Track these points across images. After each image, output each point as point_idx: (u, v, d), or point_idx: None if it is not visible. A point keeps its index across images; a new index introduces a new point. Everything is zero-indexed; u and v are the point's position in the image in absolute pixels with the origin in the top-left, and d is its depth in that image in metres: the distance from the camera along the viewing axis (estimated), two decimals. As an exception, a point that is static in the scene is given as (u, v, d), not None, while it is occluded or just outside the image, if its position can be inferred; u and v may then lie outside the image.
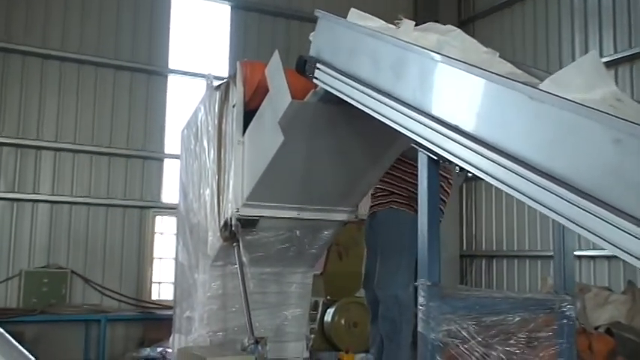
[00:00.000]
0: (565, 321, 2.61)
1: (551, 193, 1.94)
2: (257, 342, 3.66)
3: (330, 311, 8.26)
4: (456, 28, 3.22)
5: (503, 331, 2.50)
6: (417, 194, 3.97)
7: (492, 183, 2.16)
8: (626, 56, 8.57)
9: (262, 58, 4.13)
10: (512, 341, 2.51)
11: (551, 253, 8.66)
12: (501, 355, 2.47)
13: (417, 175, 3.74)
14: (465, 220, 11.16)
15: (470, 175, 2.32)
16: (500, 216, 10.82)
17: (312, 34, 3.53)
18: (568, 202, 1.88)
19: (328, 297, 8.46)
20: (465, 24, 10.86)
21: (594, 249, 8.48)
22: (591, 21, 9.07)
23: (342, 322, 8.23)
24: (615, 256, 6.71)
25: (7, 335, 4.01)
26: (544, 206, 1.98)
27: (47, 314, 8.32)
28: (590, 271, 8.92)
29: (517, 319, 2.52)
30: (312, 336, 4.73)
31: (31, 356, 3.96)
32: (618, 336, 5.84)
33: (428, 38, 2.96)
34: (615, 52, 8.70)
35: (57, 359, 8.29)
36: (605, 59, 8.43)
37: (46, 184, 9.11)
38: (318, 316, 8.33)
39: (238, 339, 4.05)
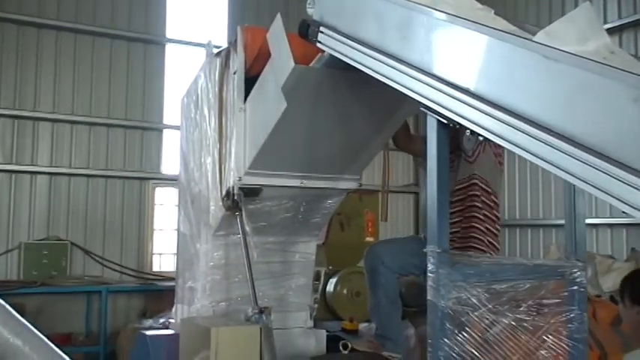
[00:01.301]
0: (576, 287, 2.56)
1: (566, 154, 1.87)
2: (261, 311, 3.61)
3: (333, 281, 8.24)
4: None
5: (514, 297, 2.45)
6: (497, 232, 3.98)
7: (505, 145, 2.10)
8: (630, 22, 8.46)
9: (262, 25, 4.04)
10: (522, 308, 2.47)
11: (553, 222, 8.72)
12: (512, 322, 2.43)
13: (490, 205, 3.68)
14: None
15: (481, 138, 2.25)
16: (503, 186, 10.78)
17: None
18: (584, 163, 1.82)
19: (330, 267, 8.44)
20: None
21: (597, 217, 8.45)
22: (595, -14, 8.94)
23: (345, 291, 8.21)
24: (618, 224, 6.72)
25: (8, 307, 3.98)
26: (558, 168, 1.91)
27: (48, 286, 8.33)
28: (593, 239, 8.90)
29: (527, 285, 2.48)
30: (316, 306, 4.68)
31: (32, 327, 3.92)
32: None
33: (421, -7, 2.88)
34: (619, 17, 8.58)
35: (59, 331, 8.29)
36: (609, 25, 8.31)
37: (44, 155, 9.05)
38: (320, 286, 8.31)
39: (242, 309, 4.01)
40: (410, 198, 11.84)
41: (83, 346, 8.25)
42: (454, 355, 2.32)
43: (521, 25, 2.86)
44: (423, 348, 6.34)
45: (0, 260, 8.64)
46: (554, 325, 2.53)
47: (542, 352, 2.52)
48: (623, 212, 1.77)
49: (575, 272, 2.58)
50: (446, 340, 2.30)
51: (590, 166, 1.80)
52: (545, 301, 2.51)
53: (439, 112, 2.36)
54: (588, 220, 8.51)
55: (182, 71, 9.48)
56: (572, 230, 2.68)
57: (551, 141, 1.90)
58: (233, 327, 3.49)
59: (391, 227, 11.32)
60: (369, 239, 9.07)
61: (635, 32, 8.50)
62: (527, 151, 2.00)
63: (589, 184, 1.81)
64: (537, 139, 1.95)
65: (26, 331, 4.00)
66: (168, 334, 4.28)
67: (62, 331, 8.35)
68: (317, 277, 8.42)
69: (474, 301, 2.35)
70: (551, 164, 1.91)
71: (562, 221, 8.51)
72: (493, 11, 2.87)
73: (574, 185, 2.70)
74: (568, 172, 1.86)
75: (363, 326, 5.76)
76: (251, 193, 3.99)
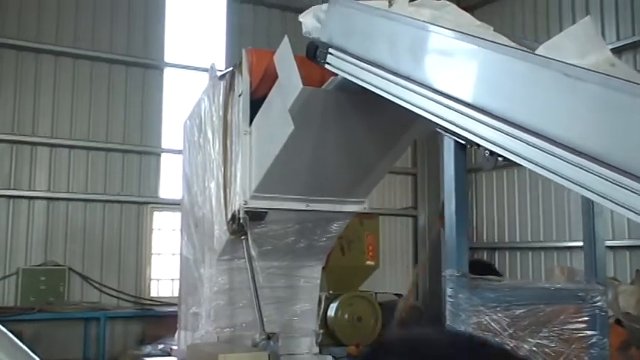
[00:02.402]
0: (597, 311, 2.50)
1: (589, 172, 1.83)
2: (269, 337, 3.54)
3: (334, 306, 8.16)
4: (449, 3, 3.14)
5: (534, 322, 2.39)
6: None
7: (526, 165, 2.05)
8: (629, 44, 8.48)
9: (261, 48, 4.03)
10: (543, 333, 2.40)
11: (555, 244, 8.63)
12: (533, 347, 2.37)
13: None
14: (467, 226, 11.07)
15: (500, 159, 2.21)
16: (502, 208, 10.74)
17: (300, 15, 3.45)
18: (608, 181, 1.78)
19: (331, 291, 8.36)
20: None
21: (599, 239, 8.39)
22: (593, 9, 8.97)
23: (346, 316, 8.13)
24: (622, 247, 6.65)
25: (9, 334, 3.89)
26: (583, 187, 1.87)
27: (45, 312, 8.19)
28: (596, 262, 8.82)
29: (548, 310, 2.42)
30: (321, 331, 4.60)
31: (34, 355, 3.84)
32: (629, 327, 5.76)
33: (422, 13, 2.88)
34: (618, 39, 8.61)
35: (57, 358, 8.15)
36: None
37: (42, 180, 8.97)
38: (321, 311, 8.22)
39: (247, 335, 3.94)
40: (409, 221, 11.77)
41: (81, 374, 8.10)
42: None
43: (520, 40, 2.85)
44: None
45: (-3, 286, 8.52)
46: (576, 350, 2.47)
47: (564, 378, 2.45)
48: None
49: (596, 296, 2.53)
50: (467, 367, 2.23)
51: (614, 183, 1.76)
52: (566, 326, 2.45)
53: (456, 133, 2.32)
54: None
55: (180, 95, 9.46)
56: (592, 253, 2.63)
57: (575, 160, 1.86)
58: (241, 353, 3.41)
59: (390, 250, 11.26)
60: (370, 262, 9.01)
61: (634, 53, 8.52)
62: (549, 171, 1.95)
63: (614, 202, 1.77)
64: (560, 158, 1.91)
65: (25, 358, 3.93)
66: (171, 362, 4.19)
67: (60, 358, 8.21)
68: (317, 303, 8.33)
69: (495, 326, 2.29)
70: (576, 183, 1.87)
71: (564, 243, 8.46)
72: (492, 28, 2.86)
73: (593, 207, 2.66)
74: (590, 190, 1.82)
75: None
76: (256, 216, 3.94)
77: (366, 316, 8.30)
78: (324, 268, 8.39)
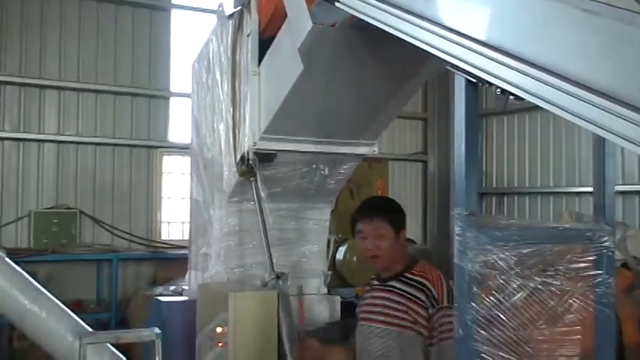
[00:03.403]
0: (604, 251, 2.50)
1: (607, 111, 1.80)
2: (278, 277, 3.59)
3: (342, 249, 8.25)
4: None
5: (541, 261, 2.40)
6: None
7: (539, 104, 2.02)
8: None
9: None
10: (549, 272, 2.42)
11: (563, 190, 8.64)
12: (539, 286, 2.38)
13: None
14: (476, 161, 11.04)
15: (512, 97, 2.18)
16: (512, 153, 10.70)
17: None
18: (625, 120, 1.75)
19: (340, 235, 8.42)
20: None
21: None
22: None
23: (354, 259, 8.22)
24: (631, 192, 6.65)
25: (25, 274, 3.96)
26: (598, 126, 1.84)
27: (58, 254, 8.33)
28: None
29: (555, 249, 2.42)
30: (330, 272, 4.65)
31: (48, 293, 3.90)
32: (635, 270, 5.81)
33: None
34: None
35: (70, 298, 8.31)
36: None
37: (51, 123, 9.00)
38: (330, 254, 8.31)
39: (256, 275, 3.99)
40: (418, 166, 11.77)
41: (94, 313, 8.28)
42: (481, 319, 2.28)
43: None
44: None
45: (10, 228, 8.63)
46: (581, 289, 2.48)
47: (569, 316, 2.47)
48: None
49: (603, 236, 2.52)
50: (473, 304, 2.26)
51: (630, 122, 1.74)
52: (572, 265, 2.46)
53: (467, 71, 2.28)
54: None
55: (188, 38, 9.36)
56: (601, 195, 2.62)
57: (590, 98, 1.83)
58: (251, 292, 3.46)
59: (399, 195, 11.29)
60: (379, 207, 9.06)
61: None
62: (563, 109, 1.93)
63: (629, 140, 1.75)
64: (575, 97, 1.88)
65: (42, 297, 4.01)
66: (184, 301, 4.27)
67: (73, 298, 8.38)
68: (327, 245, 8.41)
69: (502, 264, 2.30)
70: (591, 122, 1.85)
71: (573, 189, 8.50)
72: None
73: (604, 148, 2.63)
74: (605, 129, 1.79)
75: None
76: (266, 158, 3.94)
77: (374, 258, 8.38)
78: (333, 211, 8.48)
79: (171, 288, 6.71)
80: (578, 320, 2.52)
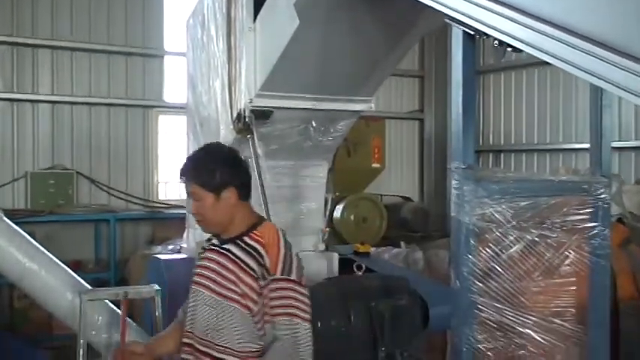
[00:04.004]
0: (600, 203, 2.53)
1: (605, 61, 1.79)
2: (276, 233, 3.60)
3: (340, 207, 8.28)
4: None
5: (538, 214, 2.42)
6: None
7: (537, 55, 2.01)
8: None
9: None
10: (546, 224, 2.44)
11: (560, 146, 8.63)
12: (535, 238, 2.41)
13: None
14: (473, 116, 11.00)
15: (509, 49, 2.17)
16: (509, 110, 10.68)
17: None
18: (624, 70, 1.74)
19: (337, 193, 8.45)
20: None
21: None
22: None
23: (352, 217, 8.27)
24: (628, 147, 6.63)
25: (23, 233, 3.97)
26: (595, 76, 1.83)
27: (56, 214, 8.34)
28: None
29: (552, 202, 2.44)
30: (328, 229, 4.68)
31: (47, 252, 3.92)
32: (631, 225, 5.84)
33: None
34: None
35: (69, 258, 8.36)
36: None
37: (45, 83, 8.92)
38: (327, 212, 8.34)
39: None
40: (415, 124, 11.75)
41: (93, 273, 8.33)
42: (478, 271, 2.31)
43: None
44: (430, 270, 6.39)
45: (6, 189, 8.62)
46: (577, 241, 2.51)
47: (565, 267, 2.51)
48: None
49: (600, 188, 2.54)
50: (470, 256, 2.28)
51: (632, 73, 1.73)
52: (568, 218, 2.48)
53: (465, 23, 2.26)
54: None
55: (182, -4, 9.24)
56: (598, 148, 2.63)
57: (590, 49, 1.81)
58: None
59: (396, 153, 11.30)
60: (376, 165, 9.06)
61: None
62: (562, 60, 1.91)
63: (632, 92, 1.74)
64: (574, 48, 1.86)
65: (41, 256, 4.03)
66: (183, 258, 4.30)
67: (72, 258, 8.43)
68: (324, 204, 8.45)
69: (498, 217, 2.32)
70: (590, 73, 1.83)
71: (570, 145, 8.47)
72: None
73: (601, 101, 2.63)
74: (609, 82, 1.78)
75: (374, 250, 5.80)
76: (262, 115, 3.92)
77: (371, 217, 8.43)
78: (330, 170, 8.48)
79: (170, 247, 6.76)
80: (573, 272, 2.56)
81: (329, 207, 8.34)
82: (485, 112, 10.98)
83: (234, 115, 3.97)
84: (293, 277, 2.65)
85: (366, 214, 8.34)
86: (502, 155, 10.88)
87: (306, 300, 2.68)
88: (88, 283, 4.15)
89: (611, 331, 2.84)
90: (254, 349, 2.66)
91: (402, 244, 7.46)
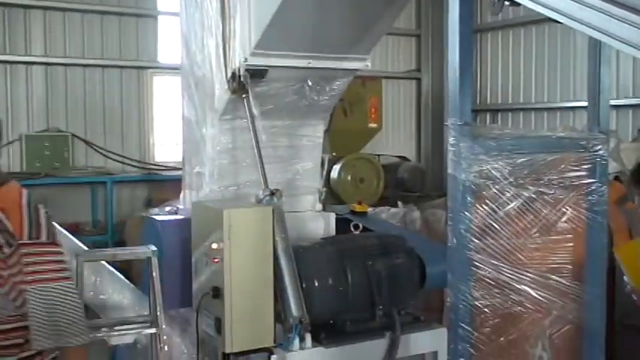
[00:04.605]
0: (598, 160, 2.51)
1: (605, 13, 1.75)
2: (272, 194, 3.59)
3: (337, 168, 8.27)
4: None
5: (535, 170, 2.40)
6: None
7: (533, 7, 1.97)
8: None
9: None
10: (543, 181, 2.42)
11: (558, 105, 8.60)
12: (532, 195, 2.39)
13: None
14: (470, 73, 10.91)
15: (507, 3, 2.13)
16: (507, 69, 10.59)
17: None
18: (624, 22, 1.70)
19: (334, 154, 8.43)
20: None
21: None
22: None
23: (349, 178, 8.26)
24: (625, 105, 6.62)
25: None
26: (595, 29, 1.80)
27: (52, 177, 8.32)
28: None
29: (549, 158, 2.42)
30: (325, 189, 4.66)
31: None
32: (627, 183, 5.84)
33: None
34: None
35: (66, 221, 8.38)
36: None
37: (37, 45, 8.82)
38: (324, 172, 8.32)
39: (251, 193, 3.99)
40: (412, 84, 11.66)
41: (91, 236, 8.35)
42: (475, 228, 2.30)
43: None
44: (427, 229, 6.42)
45: (2, 152, 8.57)
46: (575, 197, 2.50)
47: (562, 224, 2.50)
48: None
49: (597, 144, 2.52)
50: (466, 213, 2.27)
51: (633, 26, 1.69)
52: (566, 174, 2.47)
53: (462, -23, 2.21)
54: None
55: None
56: (596, 104, 2.60)
57: (590, 1, 1.78)
58: (245, 208, 3.47)
59: (393, 113, 11.25)
60: (373, 125, 9.02)
61: None
62: (561, 14, 1.87)
63: (632, 45, 1.71)
64: (574, 0, 1.82)
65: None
66: (179, 219, 4.28)
67: (69, 221, 8.45)
68: (321, 164, 8.43)
69: (495, 174, 2.31)
70: (590, 26, 1.80)
71: (567, 104, 8.44)
72: None
73: (599, 57, 2.59)
74: (609, 35, 1.75)
75: (371, 210, 5.82)
76: (257, 74, 3.87)
77: (368, 177, 8.43)
78: (327, 130, 8.44)
79: (167, 208, 6.75)
80: (570, 229, 2.55)
81: (326, 167, 8.35)
82: (482, 71, 10.90)
83: (229, 74, 3.91)
84: (43, 239, 2.34)
85: (363, 174, 8.33)
86: (499, 114, 10.83)
87: (61, 259, 2.41)
88: (86, 246, 4.15)
89: (607, 288, 2.85)
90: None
91: (400, 203, 7.47)
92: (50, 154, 8.68)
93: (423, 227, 6.48)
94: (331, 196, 8.13)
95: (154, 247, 3.56)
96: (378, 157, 9.41)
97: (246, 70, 3.81)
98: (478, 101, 10.92)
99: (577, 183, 2.50)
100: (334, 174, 8.18)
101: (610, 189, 5.39)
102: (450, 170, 2.28)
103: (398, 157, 10.10)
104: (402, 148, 11.17)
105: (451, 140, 2.26)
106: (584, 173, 2.49)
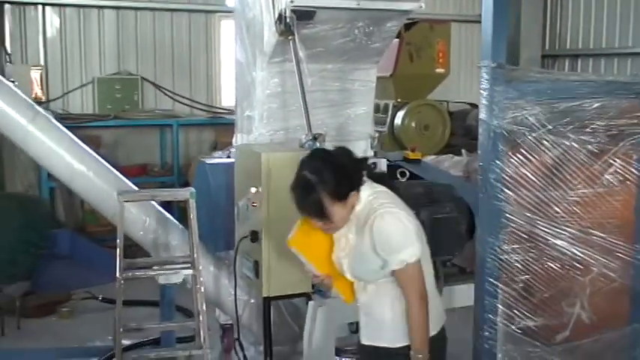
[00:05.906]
0: (653, 107, 2.29)
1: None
2: (315, 138, 3.52)
3: (400, 114, 8.10)
4: None
5: (579, 118, 2.22)
6: None
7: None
8: None
9: None
10: (588, 129, 2.24)
11: (627, 51, 8.02)
12: (574, 144, 2.22)
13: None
14: (550, 15, 10.33)
15: None
16: (589, 9, 9.96)
17: None
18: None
19: (399, 99, 8.24)
20: None
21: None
22: None
23: (413, 124, 8.08)
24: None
25: (72, 136, 4.02)
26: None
27: (121, 119, 8.53)
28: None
29: (596, 105, 2.22)
30: (377, 135, 4.55)
31: (95, 154, 3.97)
32: None
33: None
34: None
35: (135, 162, 8.62)
36: None
37: (108, -11, 8.94)
38: (388, 119, 8.18)
39: (299, 137, 3.94)
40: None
41: (159, 177, 8.56)
42: (506, 177, 2.16)
43: None
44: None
45: (75, 94, 8.85)
46: (624, 148, 2.29)
47: (608, 176, 2.31)
48: None
49: (652, 90, 2.30)
50: (497, 162, 2.14)
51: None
52: (614, 122, 2.26)
53: None
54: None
55: None
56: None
57: None
58: (283, 152, 3.42)
59: (464, 59, 10.86)
60: (440, 70, 8.72)
61: None
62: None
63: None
64: None
65: (89, 158, 4.11)
66: (226, 162, 4.29)
67: (138, 163, 8.68)
68: (385, 110, 8.27)
69: (532, 120, 2.14)
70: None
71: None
72: None
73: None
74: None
75: (427, 158, 5.65)
76: (304, 16, 3.76)
77: (434, 124, 8.22)
78: (391, 75, 8.25)
79: (223, 151, 6.81)
80: (618, 181, 2.36)
81: (390, 113, 8.20)
82: (563, 12, 10.31)
83: (276, 15, 3.82)
84: None
85: (428, 121, 8.13)
86: (579, 60, 10.27)
87: None
88: (154, 186, 4.21)
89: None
90: None
91: (463, 151, 7.25)
92: (121, 97, 8.88)
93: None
94: (394, 142, 7.99)
95: (192, 189, 3.57)
96: (447, 103, 9.14)
97: (293, 11, 3.71)
98: (557, 46, 10.38)
99: (628, 131, 2.29)
100: (398, 120, 8.03)
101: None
102: (481, 116, 2.14)
103: (468, 103, 9.77)
104: (472, 94, 10.79)
105: (483, 84, 2.11)
106: (636, 121, 2.28)
